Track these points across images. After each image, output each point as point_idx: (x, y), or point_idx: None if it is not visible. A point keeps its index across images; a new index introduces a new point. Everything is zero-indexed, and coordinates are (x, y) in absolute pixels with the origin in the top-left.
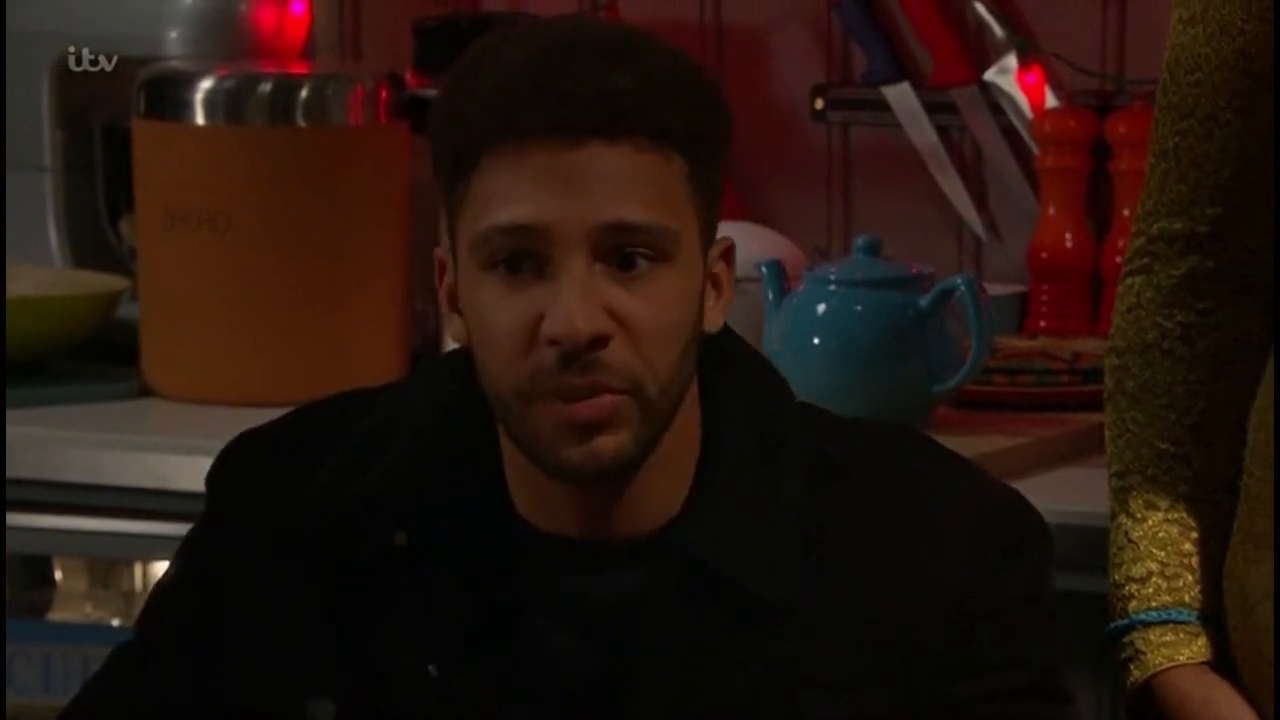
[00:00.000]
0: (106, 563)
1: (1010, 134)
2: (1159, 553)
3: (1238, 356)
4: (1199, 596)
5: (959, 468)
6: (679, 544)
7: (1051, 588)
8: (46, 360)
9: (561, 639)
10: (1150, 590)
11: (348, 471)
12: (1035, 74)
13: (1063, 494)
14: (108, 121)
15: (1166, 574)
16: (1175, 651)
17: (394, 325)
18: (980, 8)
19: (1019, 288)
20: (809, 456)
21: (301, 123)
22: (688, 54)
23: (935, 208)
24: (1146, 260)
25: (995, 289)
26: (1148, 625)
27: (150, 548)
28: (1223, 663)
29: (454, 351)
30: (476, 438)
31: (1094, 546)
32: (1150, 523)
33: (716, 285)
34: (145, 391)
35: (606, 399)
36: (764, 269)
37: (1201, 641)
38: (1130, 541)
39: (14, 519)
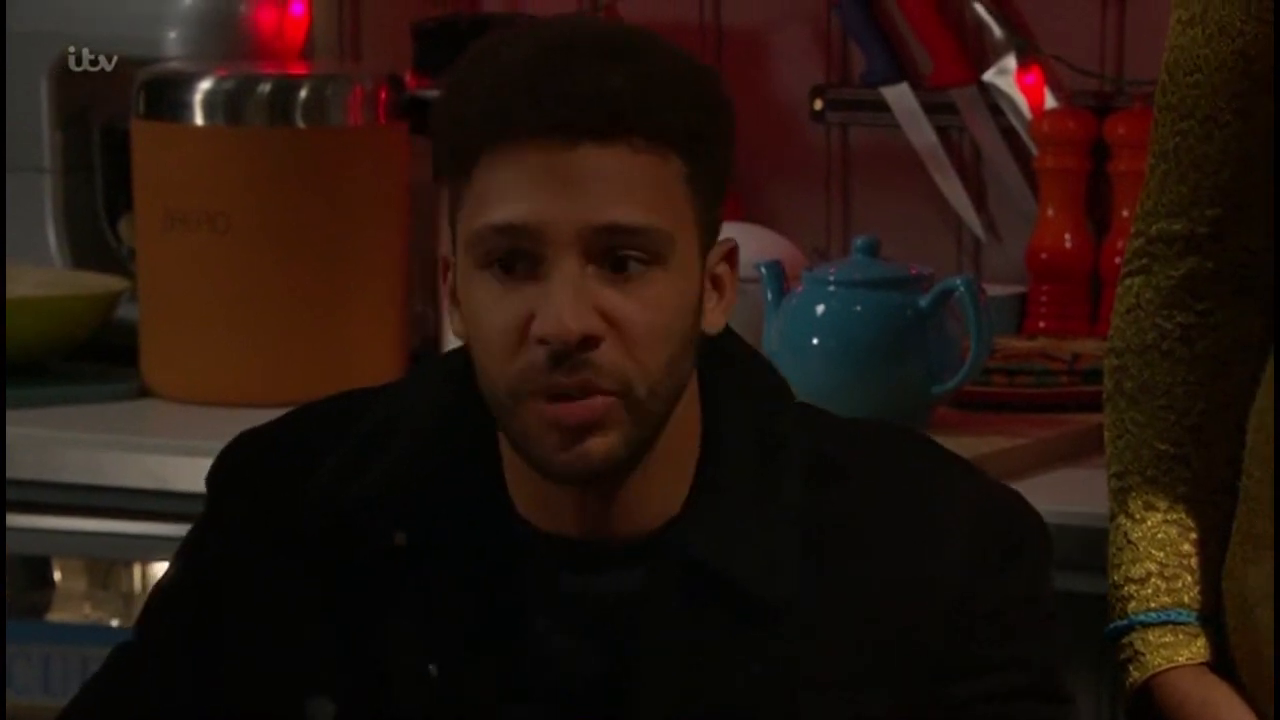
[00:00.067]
0: (106, 563)
1: (1009, 135)
2: (1158, 554)
3: (1237, 358)
4: (1198, 597)
5: (959, 468)
6: (679, 544)
7: (1051, 588)
8: (46, 361)
9: (561, 639)
10: (1149, 591)
11: (348, 471)
12: (1034, 75)
13: (1062, 495)
14: (107, 122)
15: (1166, 575)
16: (1174, 652)
17: (393, 326)
18: (979, 8)
19: (1018, 288)
20: (809, 457)
21: (301, 123)
22: (691, 54)
23: (934, 208)
24: (1146, 261)
25: (994, 290)
26: (1147, 626)
27: (149, 548)
28: (1222, 664)
29: (453, 351)
30: (476, 437)
31: (1093, 547)
32: (1149, 524)
33: (718, 287)
34: (144, 392)
35: (597, 400)
36: (763, 269)
37: (1201, 642)
38: (1129, 542)
39: (13, 520)
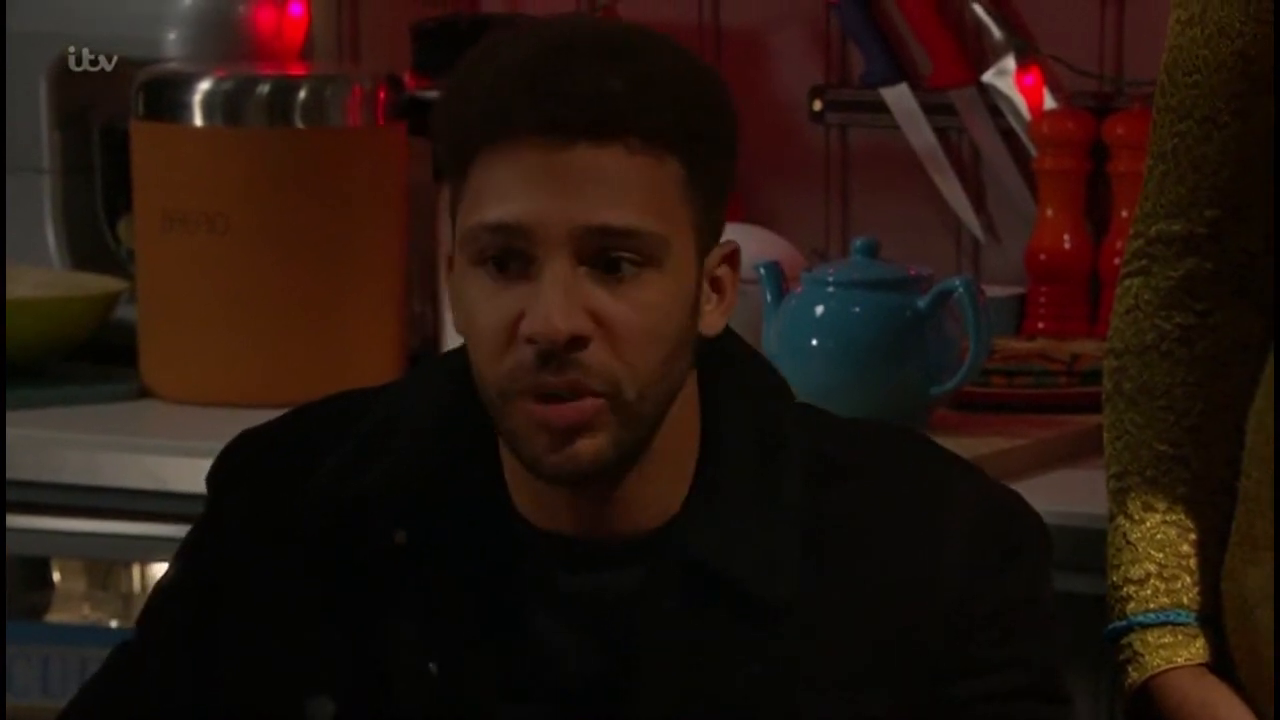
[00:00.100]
0: (105, 564)
1: (1008, 135)
2: (1157, 554)
3: (1236, 358)
4: (1197, 598)
5: (959, 469)
6: (678, 543)
7: (1051, 589)
8: (45, 362)
9: (561, 638)
10: (1148, 592)
11: (348, 471)
12: (1033, 76)
13: (1061, 495)
14: (106, 123)
15: (1165, 576)
16: (1173, 653)
17: (391, 327)
18: (978, 9)
19: (1017, 289)
20: (809, 457)
21: (300, 124)
22: (694, 55)
23: (933, 209)
24: (1145, 262)
25: (993, 290)
26: (1146, 627)
27: (148, 549)
28: (1221, 664)
29: (453, 351)
30: (475, 437)
31: (1092, 548)
32: (1148, 524)
33: (718, 289)
34: (143, 393)
35: (586, 402)
36: (762, 271)
37: (1200, 643)
38: (1128, 543)
39: (13, 520)
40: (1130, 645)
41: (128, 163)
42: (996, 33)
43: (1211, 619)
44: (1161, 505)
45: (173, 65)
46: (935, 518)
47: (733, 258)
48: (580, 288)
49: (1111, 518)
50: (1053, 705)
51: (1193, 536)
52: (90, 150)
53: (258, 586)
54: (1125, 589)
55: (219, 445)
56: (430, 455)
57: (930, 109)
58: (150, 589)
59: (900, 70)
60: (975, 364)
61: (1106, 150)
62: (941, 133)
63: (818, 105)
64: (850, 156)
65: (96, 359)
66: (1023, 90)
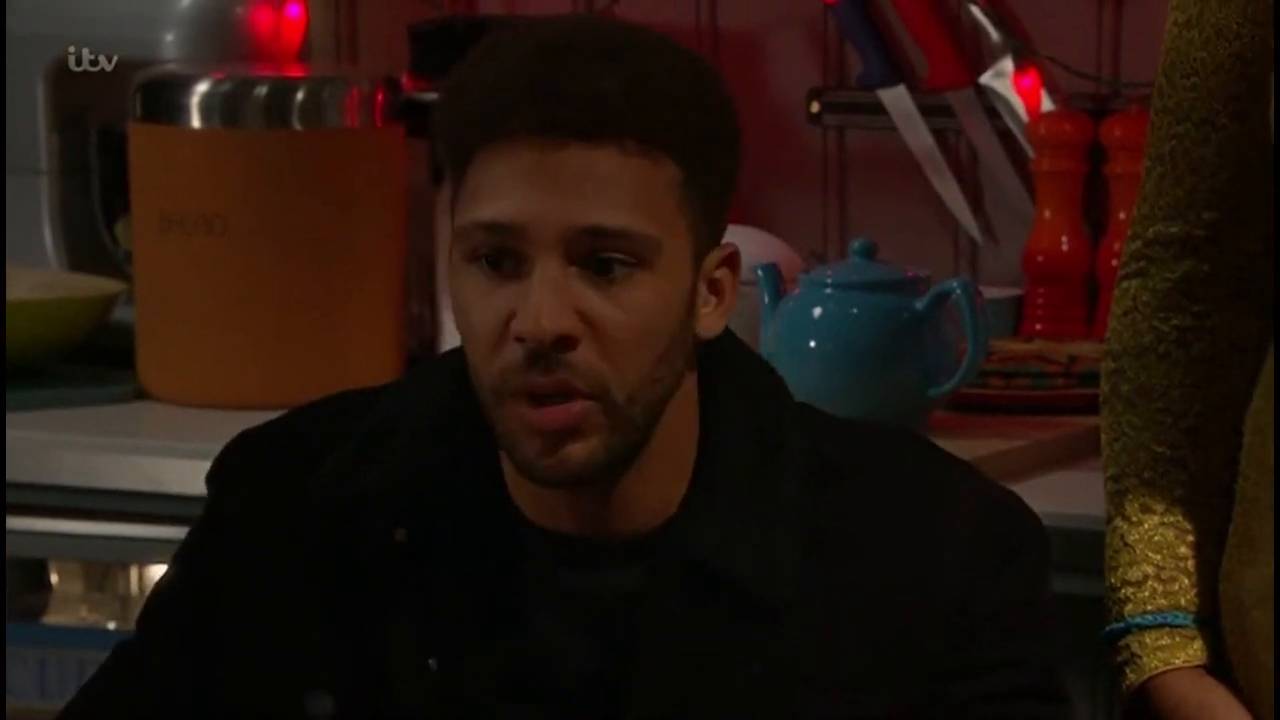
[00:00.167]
0: (102, 566)
1: (1006, 137)
2: (1155, 556)
3: (1233, 360)
4: (1195, 600)
5: (958, 470)
6: (678, 543)
7: (1050, 590)
8: (42, 363)
9: (561, 637)
10: (1146, 593)
11: (348, 470)
12: (1031, 77)
13: (1058, 497)
14: (104, 124)
15: (1162, 577)
16: (1171, 655)
17: (390, 328)
18: (976, 11)
19: (1015, 291)
20: (808, 457)
21: (297, 126)
22: (695, 56)
23: (931, 211)
24: (1142, 264)
25: (991, 292)
26: (1144, 628)
27: (145, 551)
28: (1219, 666)
29: (452, 351)
30: (475, 436)
31: (1089, 550)
32: (1146, 526)
33: (717, 291)
34: (141, 395)
35: (576, 406)
36: (760, 272)
37: (1197, 645)
38: (1126, 545)
39: (10, 522)
40: (1128, 647)
41: (125, 164)
42: (994, 34)
43: (1209, 621)
44: (1159, 507)
45: (170, 67)
46: (935, 518)
47: (732, 260)
48: (570, 288)
49: (1109, 519)
50: (1052, 705)
51: (1190, 538)
52: (88, 152)
53: (257, 587)
54: (1123, 591)
55: (217, 447)
56: (430, 454)
57: (928, 110)
58: (148, 591)
59: (898, 72)
60: (973, 365)
61: (1104, 152)
62: (939, 134)
63: (815, 107)
64: (848, 158)
65: (94, 361)
66: (1020, 92)
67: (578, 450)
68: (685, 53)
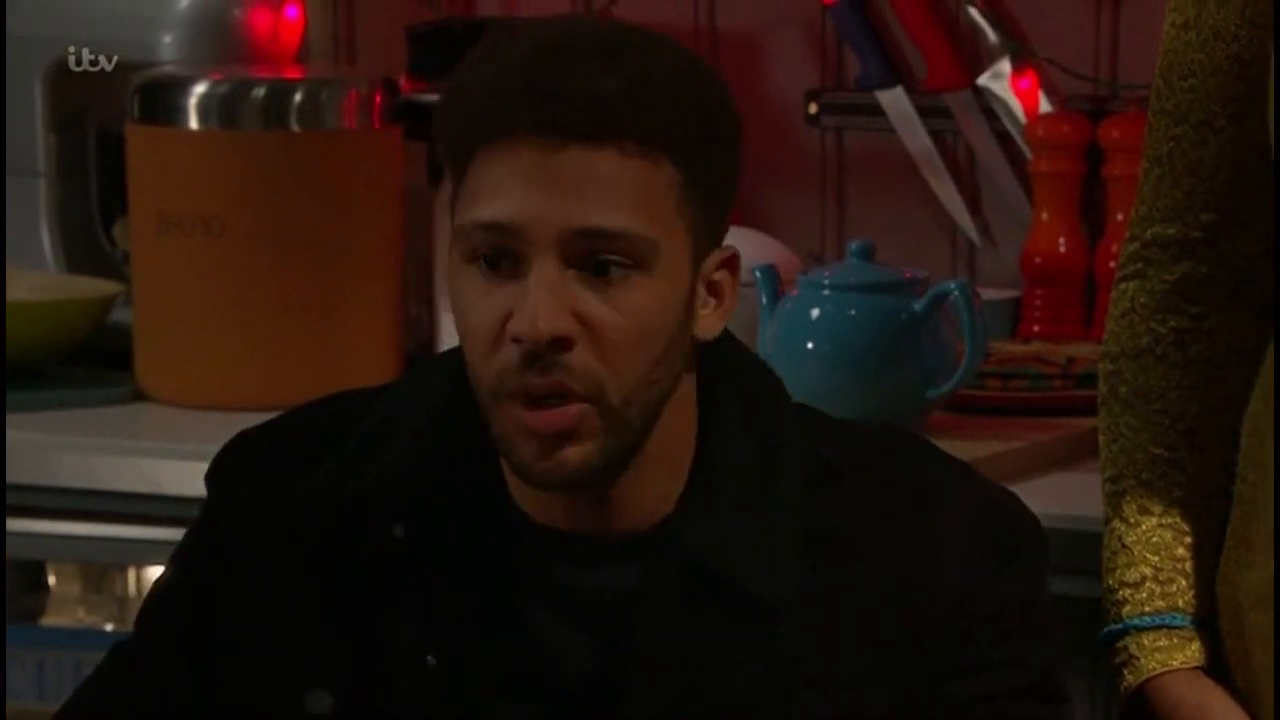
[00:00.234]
0: (99, 567)
1: (1004, 139)
2: (1153, 558)
3: (1231, 362)
4: (1193, 601)
5: (957, 470)
6: (675, 542)
7: (1048, 590)
8: (40, 365)
9: (560, 635)
10: (1144, 595)
11: (347, 470)
12: (1029, 79)
13: (1056, 499)
14: (102, 126)
15: (1160, 579)
16: (1169, 656)
17: (388, 330)
18: (973, 12)
19: (1013, 292)
20: (806, 457)
21: (295, 127)
22: (695, 56)
23: (929, 212)
24: (1140, 265)
25: (989, 293)
26: (1141, 630)
27: (143, 552)
28: (1216, 668)
29: (450, 351)
30: (474, 435)
31: (1087, 551)
32: (1144, 528)
33: (716, 293)
34: (139, 396)
35: (572, 408)
36: (758, 274)
37: (1195, 646)
38: (1124, 546)
39: (8, 524)
40: (1126, 648)
41: (123, 166)
42: (992, 36)
43: (1207, 622)
44: (1157, 508)
45: (168, 68)
46: (933, 519)
47: (732, 262)
48: (567, 289)
49: (1107, 521)
50: (1051, 705)
51: (1188, 540)
52: (86, 153)
53: (256, 586)
54: (1121, 592)
55: (214, 448)
56: (429, 454)
57: (925, 112)
58: (145, 592)
59: (895, 73)
60: (971, 367)
61: (1102, 153)
62: (937, 136)
63: (813, 108)
64: (846, 159)
65: (92, 362)
66: (1018, 93)
67: (573, 454)
68: (685, 53)
